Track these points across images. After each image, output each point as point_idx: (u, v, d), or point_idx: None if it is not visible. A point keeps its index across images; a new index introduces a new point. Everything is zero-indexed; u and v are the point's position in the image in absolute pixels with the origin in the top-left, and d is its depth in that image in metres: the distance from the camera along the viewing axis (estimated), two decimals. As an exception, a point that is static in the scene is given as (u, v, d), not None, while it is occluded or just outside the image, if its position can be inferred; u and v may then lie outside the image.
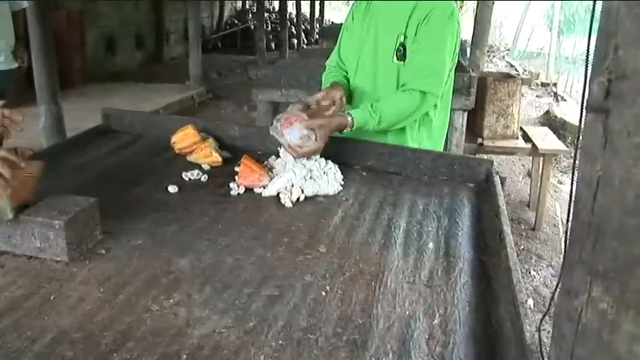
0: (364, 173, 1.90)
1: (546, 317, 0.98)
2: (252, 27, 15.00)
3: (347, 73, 2.21)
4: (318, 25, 17.67)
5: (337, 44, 2.27)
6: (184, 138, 1.95)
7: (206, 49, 12.66)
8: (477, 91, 3.99)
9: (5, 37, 4.13)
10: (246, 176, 1.70)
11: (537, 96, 10.50)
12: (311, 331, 1.06)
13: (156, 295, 1.15)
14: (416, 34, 1.97)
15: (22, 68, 4.43)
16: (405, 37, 1.99)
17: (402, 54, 2.00)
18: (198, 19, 9.31)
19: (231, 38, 15.13)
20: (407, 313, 1.14)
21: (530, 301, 3.66)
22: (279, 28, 14.16)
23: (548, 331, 1.13)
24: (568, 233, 0.73)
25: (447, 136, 2.24)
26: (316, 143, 1.75)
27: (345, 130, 1.87)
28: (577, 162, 0.71)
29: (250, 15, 16.68)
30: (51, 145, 1.97)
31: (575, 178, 0.72)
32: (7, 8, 4.15)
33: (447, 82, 2.05)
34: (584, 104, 0.68)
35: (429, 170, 1.90)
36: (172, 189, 1.68)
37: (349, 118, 1.86)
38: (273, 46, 14.23)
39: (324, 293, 1.19)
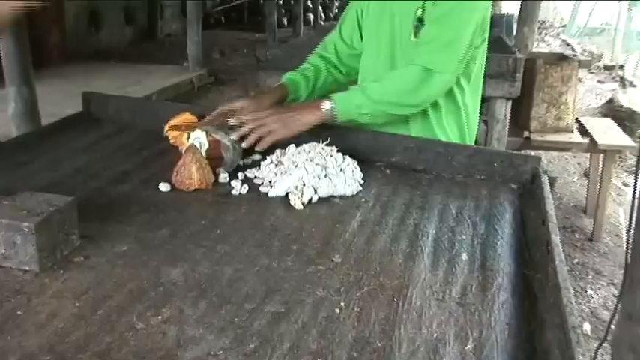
0: (387, 171, 1.90)
1: (604, 345, 0.97)
2: (261, -1, 15.04)
3: (336, 59, 2.21)
4: (337, -2, 17.65)
5: (340, 21, 2.26)
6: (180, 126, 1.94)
7: (207, 24, 12.68)
8: (524, 76, 3.95)
9: None
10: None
11: (599, 81, 10.40)
12: (322, 355, 1.06)
13: (142, 310, 1.15)
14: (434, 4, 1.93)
15: None
16: (423, 11, 1.95)
17: (420, 30, 1.97)
18: (197, -11, 9.34)
19: (237, 12, 15.16)
20: (435, 335, 1.13)
21: (587, 326, 3.63)
22: (292, 1, 14.15)
23: (604, 360, 1.12)
24: (630, 246, 0.72)
25: (478, 127, 2.20)
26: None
27: (326, 112, 1.86)
28: None
29: (259, -15, 16.70)
30: (22, 135, 1.98)
31: None
32: None
33: (477, 60, 2.02)
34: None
35: (463, 168, 1.88)
36: (164, 187, 1.68)
37: (326, 102, 1.86)
38: (286, 22, 14.23)
39: (338, 310, 1.19)
